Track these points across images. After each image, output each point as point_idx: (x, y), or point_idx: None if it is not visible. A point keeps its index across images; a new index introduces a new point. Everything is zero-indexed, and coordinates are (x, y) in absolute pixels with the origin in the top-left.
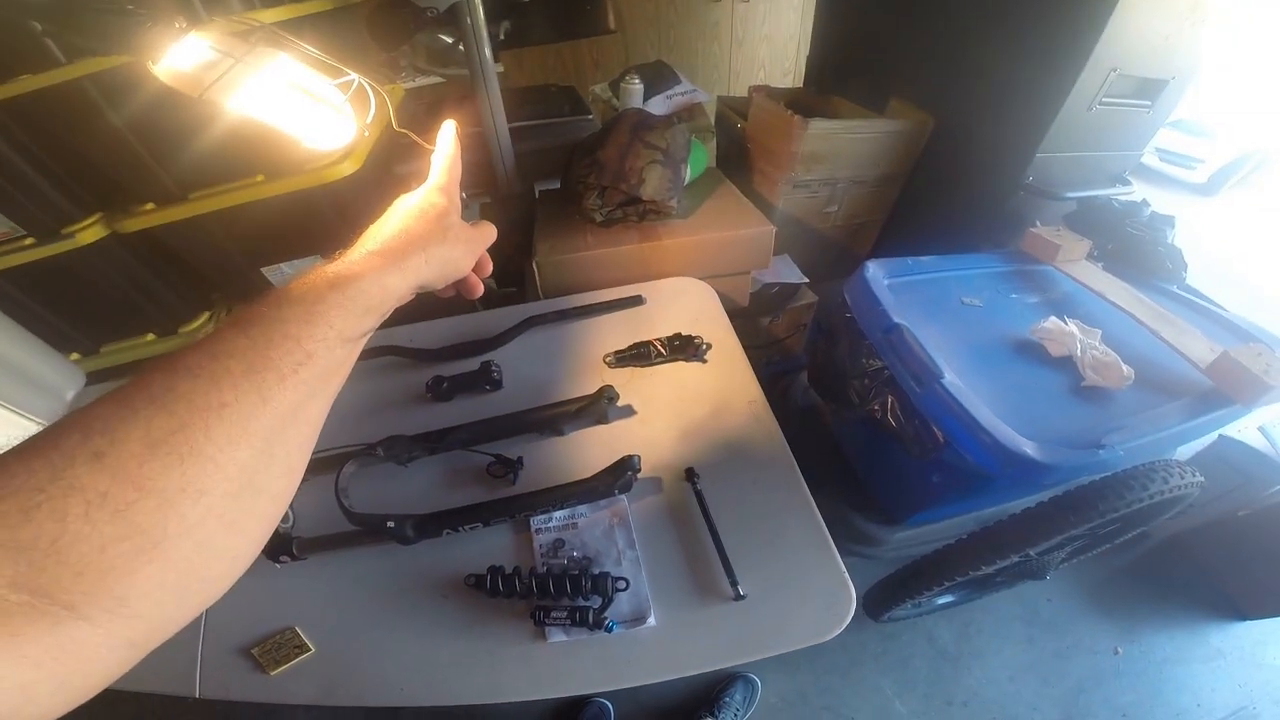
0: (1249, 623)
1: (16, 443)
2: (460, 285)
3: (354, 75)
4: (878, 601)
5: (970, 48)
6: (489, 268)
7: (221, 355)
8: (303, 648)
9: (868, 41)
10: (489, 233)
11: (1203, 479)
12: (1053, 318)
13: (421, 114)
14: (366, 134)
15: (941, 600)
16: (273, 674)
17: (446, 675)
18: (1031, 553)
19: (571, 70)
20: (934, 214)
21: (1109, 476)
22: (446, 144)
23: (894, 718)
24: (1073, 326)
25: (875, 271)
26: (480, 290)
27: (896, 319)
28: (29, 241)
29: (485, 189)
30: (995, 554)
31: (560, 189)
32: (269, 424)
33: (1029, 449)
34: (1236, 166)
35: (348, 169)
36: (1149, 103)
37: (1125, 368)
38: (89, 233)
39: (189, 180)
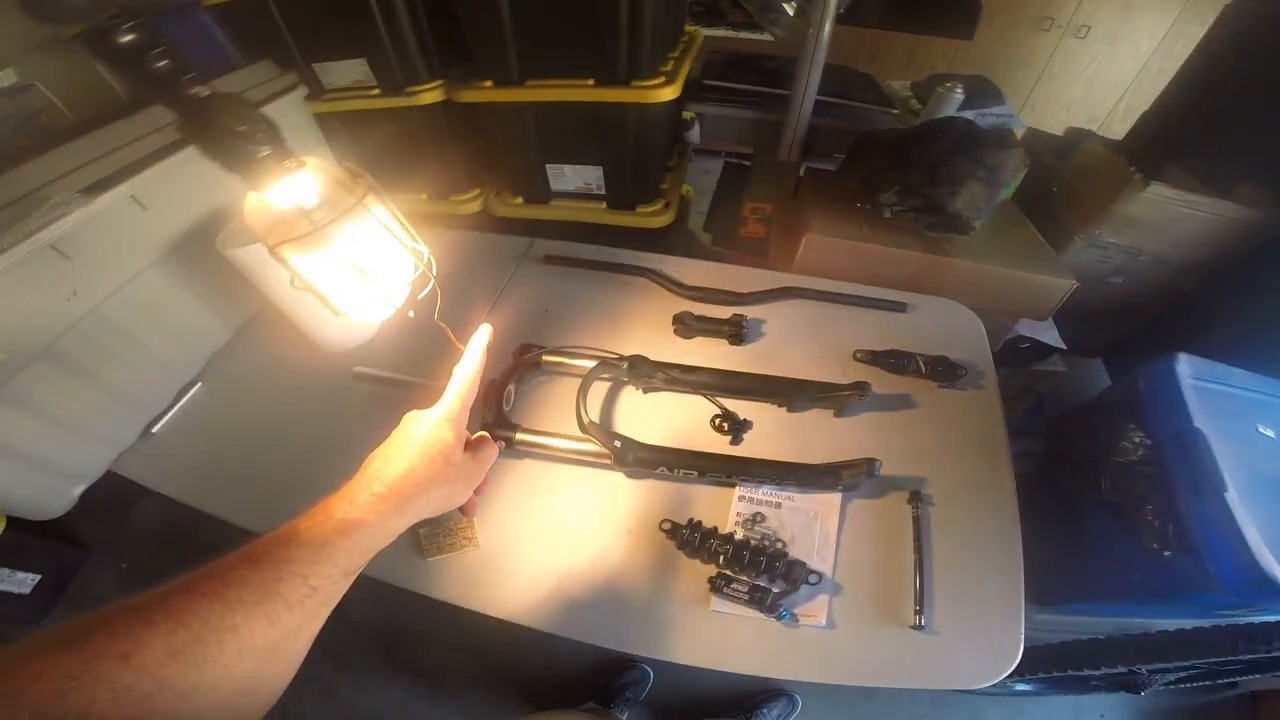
0: None
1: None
2: (460, 508)
3: (424, 248)
4: None
5: None
6: (487, 487)
7: (234, 584)
8: (471, 540)
9: (1230, 110)
10: (489, 458)
11: None
12: None
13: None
14: (412, 315)
15: (1019, 687)
16: (427, 559)
17: (593, 613)
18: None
19: (866, 61)
20: (1232, 323)
21: None
22: (473, 359)
23: None
24: None
25: (1185, 366)
26: (477, 509)
27: (1198, 424)
28: (375, 92)
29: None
30: (1141, 659)
31: (840, 172)
32: (275, 640)
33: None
34: None
35: (667, 95)
36: None
37: None
38: (429, 95)
39: (529, 69)
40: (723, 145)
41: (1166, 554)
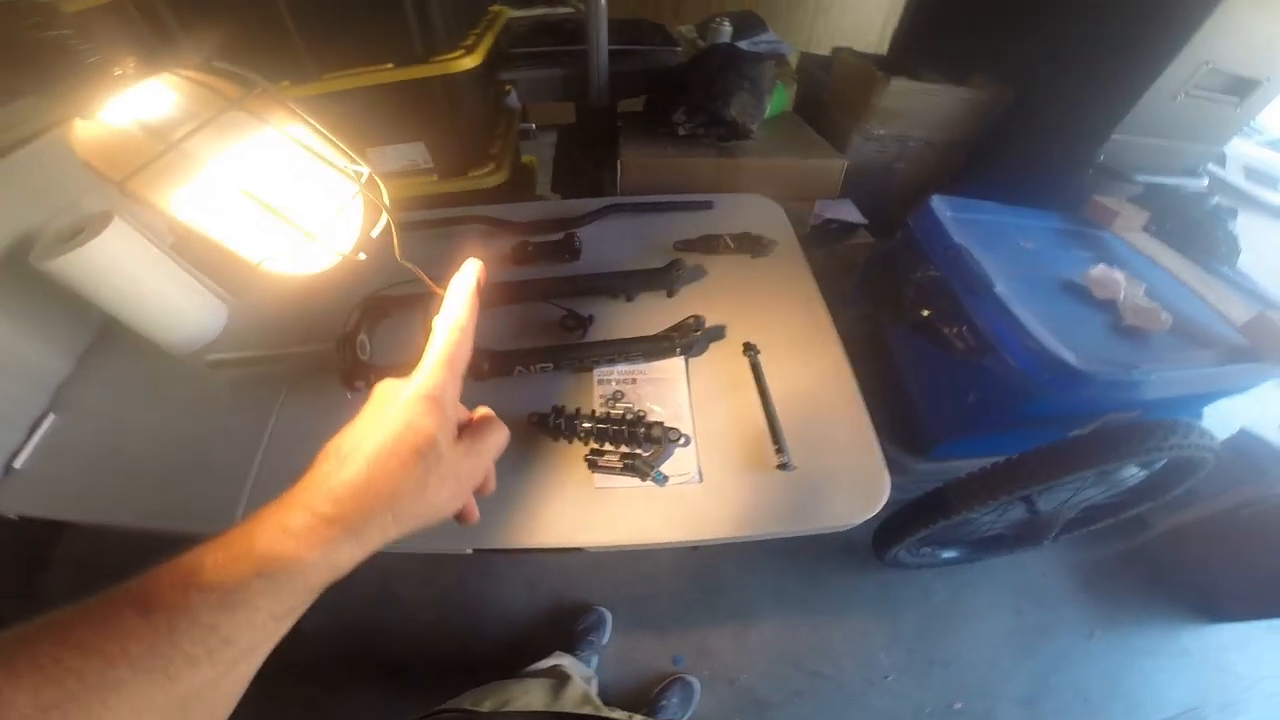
0: (1219, 625)
1: None
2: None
3: (365, 168)
4: (887, 536)
5: (1062, 27)
6: (492, 485)
7: (116, 637)
8: None
9: (958, 18)
10: (495, 448)
11: (1219, 445)
12: (1102, 265)
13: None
14: (364, 257)
15: (947, 555)
16: None
17: (491, 518)
18: (1039, 502)
19: (652, 12)
20: (997, 186)
21: (1133, 421)
22: (457, 308)
23: (876, 667)
24: (1119, 275)
25: (940, 204)
26: (476, 517)
27: (958, 239)
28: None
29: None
30: (1013, 484)
31: (644, 109)
32: (181, 696)
33: (1068, 356)
34: None
35: (469, 64)
36: (1237, 99)
37: (1164, 314)
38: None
39: (325, 63)
40: (545, 109)
41: (977, 361)
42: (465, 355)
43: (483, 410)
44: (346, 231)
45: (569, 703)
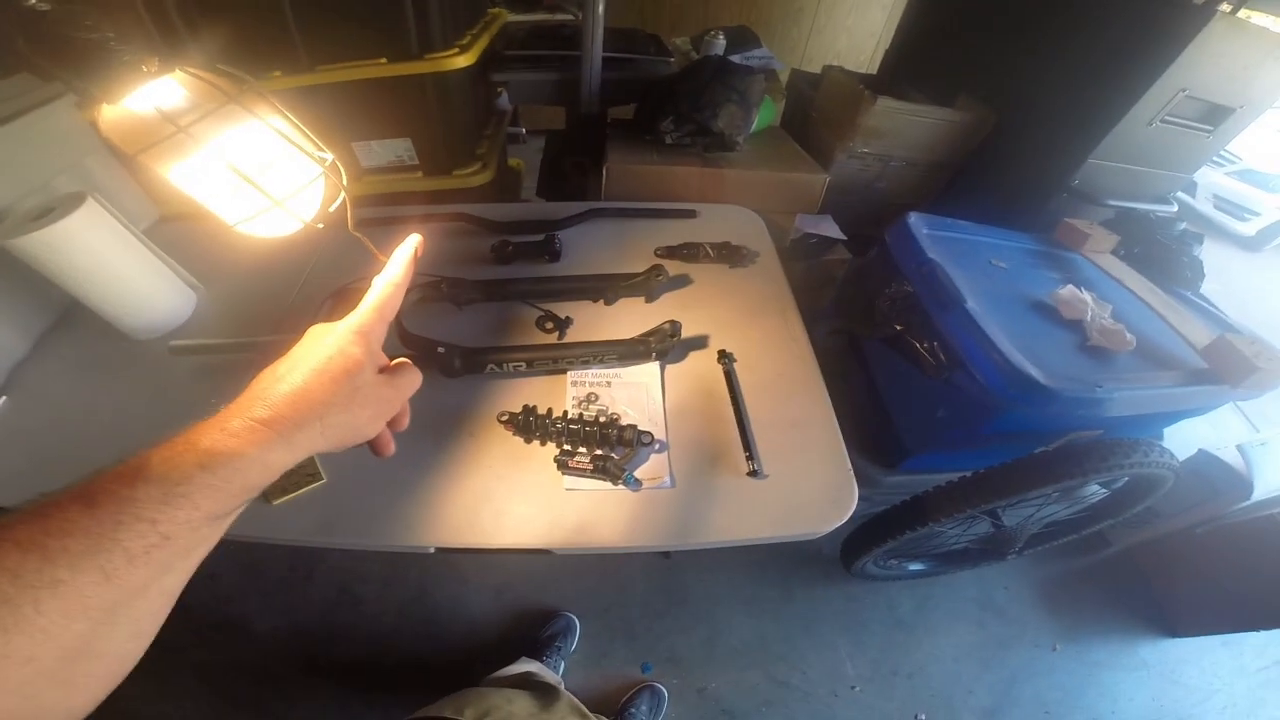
0: (1177, 640)
1: None
2: (369, 445)
3: (329, 155)
4: (855, 547)
5: (1044, 54)
6: (405, 420)
7: (57, 533)
8: (315, 475)
9: (947, 41)
10: (409, 385)
11: (1179, 464)
12: (1070, 286)
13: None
14: (320, 226)
15: (913, 567)
16: (274, 503)
17: (457, 516)
18: (1004, 516)
19: (650, 23)
20: (975, 207)
21: (1097, 439)
22: (395, 269)
23: (842, 678)
24: (1087, 296)
25: (916, 220)
26: (391, 449)
27: (931, 255)
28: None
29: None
30: (980, 498)
31: (634, 117)
32: (113, 599)
33: (1035, 373)
34: None
35: (462, 62)
36: (1210, 128)
37: (1129, 335)
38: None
39: (318, 55)
40: (537, 115)
41: (947, 376)
42: (394, 307)
43: (400, 359)
44: (311, 206)
45: (558, 715)
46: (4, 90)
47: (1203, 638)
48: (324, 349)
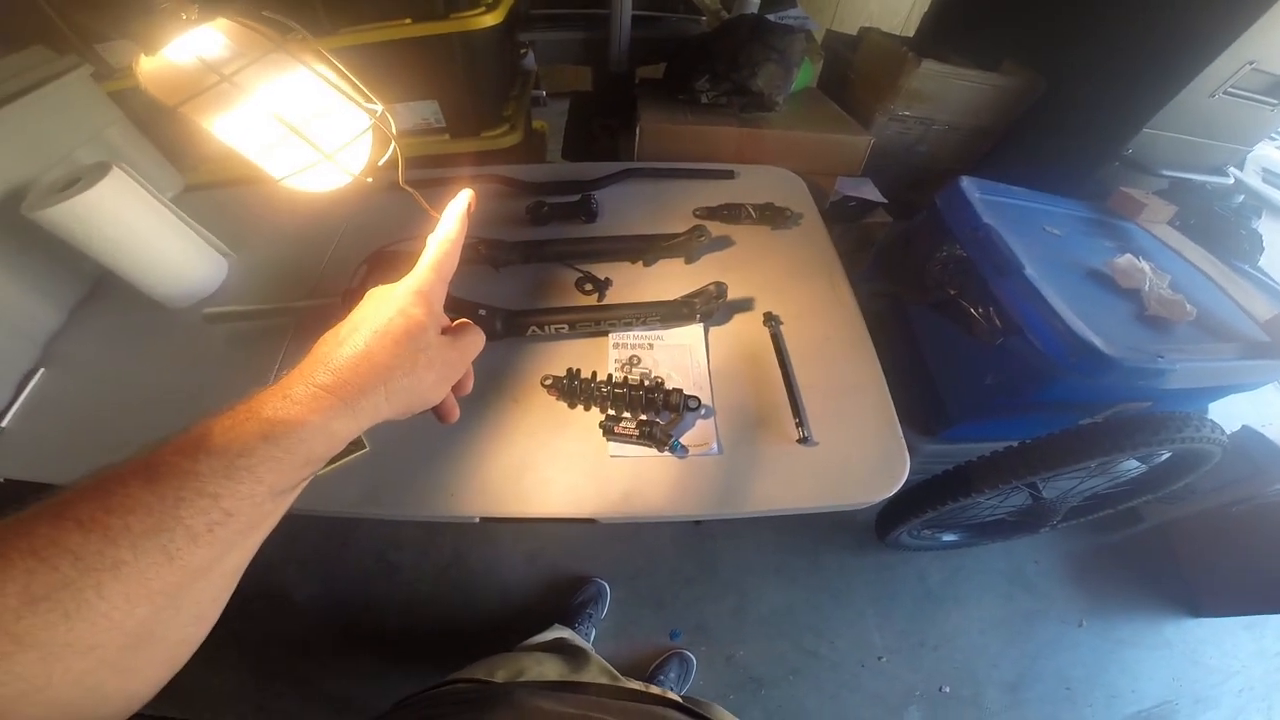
0: (1200, 620)
1: None
2: (434, 411)
3: (379, 106)
4: (893, 517)
5: (1100, 18)
6: (470, 384)
7: (119, 510)
8: (358, 444)
9: (991, 5)
10: (472, 346)
11: (1227, 440)
12: (1128, 254)
13: None
14: (370, 181)
15: (946, 538)
16: (319, 473)
17: (501, 485)
18: (1044, 489)
19: None
20: (1018, 172)
21: (1148, 411)
22: (450, 226)
23: (869, 648)
24: (1145, 265)
25: (969, 185)
26: (456, 415)
27: (987, 220)
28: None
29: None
30: (1026, 469)
31: (664, 76)
32: (176, 581)
33: (1096, 341)
34: None
35: (489, 21)
36: (1275, 102)
37: (1189, 305)
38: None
39: (340, 17)
40: (556, 77)
41: (999, 342)
42: (452, 265)
43: (461, 320)
44: (358, 159)
45: (588, 676)
46: (18, 64)
47: (1225, 619)
48: (385, 310)
